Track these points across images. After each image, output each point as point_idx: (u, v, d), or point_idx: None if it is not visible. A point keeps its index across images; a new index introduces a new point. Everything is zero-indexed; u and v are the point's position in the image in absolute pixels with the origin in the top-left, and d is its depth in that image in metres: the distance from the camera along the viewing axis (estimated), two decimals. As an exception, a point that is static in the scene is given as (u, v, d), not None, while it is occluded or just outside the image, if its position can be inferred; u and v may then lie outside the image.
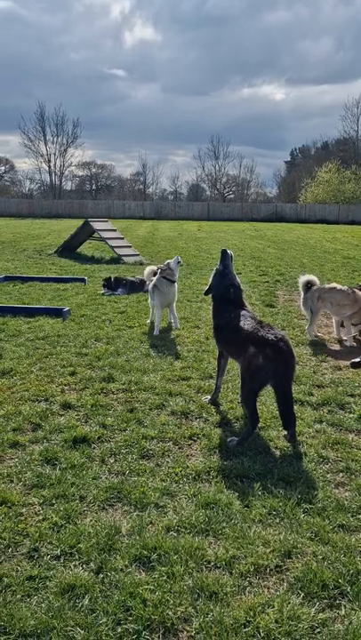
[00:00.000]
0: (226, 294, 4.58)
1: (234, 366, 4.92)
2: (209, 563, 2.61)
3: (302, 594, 2.41)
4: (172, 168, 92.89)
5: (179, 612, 2.29)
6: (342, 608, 2.34)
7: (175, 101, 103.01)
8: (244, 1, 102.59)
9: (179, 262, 7.34)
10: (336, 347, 6.57)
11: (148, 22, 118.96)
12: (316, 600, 2.37)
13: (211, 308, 4.77)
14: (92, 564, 2.58)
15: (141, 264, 13.26)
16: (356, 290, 6.77)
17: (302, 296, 6.84)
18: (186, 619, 2.27)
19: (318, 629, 2.22)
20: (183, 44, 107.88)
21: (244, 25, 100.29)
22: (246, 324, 4.19)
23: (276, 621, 2.23)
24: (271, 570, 2.57)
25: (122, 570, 2.54)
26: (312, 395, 4.87)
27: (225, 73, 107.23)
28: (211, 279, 4.81)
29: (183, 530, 2.85)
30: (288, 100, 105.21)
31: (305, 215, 41.20)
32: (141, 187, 73.05)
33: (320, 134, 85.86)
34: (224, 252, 4.75)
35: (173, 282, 6.97)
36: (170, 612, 2.28)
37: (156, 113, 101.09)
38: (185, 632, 2.22)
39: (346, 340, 6.67)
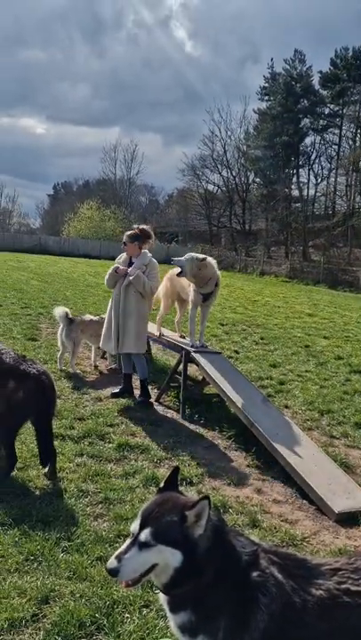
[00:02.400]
0: None
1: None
2: None
3: (60, 638, 2.34)
4: None
5: None
6: (99, 642, 2.35)
7: None
8: (0, 32, 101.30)
9: None
10: (97, 378, 6.76)
11: None
12: (73, 641, 2.34)
13: None
14: None
15: None
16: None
17: (65, 327, 6.85)
18: None
19: (75, 671, 2.18)
20: None
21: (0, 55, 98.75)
22: (6, 357, 4.01)
23: None
24: (27, 621, 2.44)
25: None
26: (73, 428, 4.88)
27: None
28: None
29: None
30: (49, 136, 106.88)
31: (68, 248, 41.79)
32: None
33: (82, 172, 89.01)
34: None
35: None
36: None
37: None
38: None
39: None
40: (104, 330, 6.06)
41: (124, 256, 6.04)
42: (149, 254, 5.97)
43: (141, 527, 1.71)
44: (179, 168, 53.17)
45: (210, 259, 5.96)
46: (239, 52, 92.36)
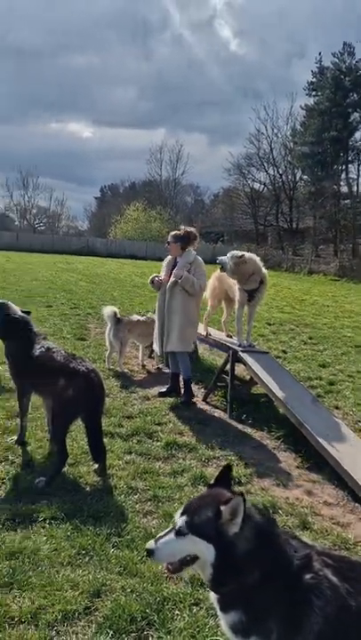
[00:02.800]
0: (19, 325, 4.38)
1: (41, 403, 4.74)
2: (13, 619, 2.43)
3: (111, 632, 2.38)
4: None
5: None
6: (150, 638, 2.37)
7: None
8: (52, 40, 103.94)
9: None
10: (144, 377, 6.83)
11: None
12: (124, 635, 2.37)
13: (5, 345, 4.50)
14: None
15: None
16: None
17: (113, 327, 6.97)
18: None
19: (127, 665, 2.21)
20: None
21: (51, 63, 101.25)
22: (58, 356, 4.11)
23: (85, 667, 2.16)
24: (80, 613, 2.49)
25: None
26: (122, 426, 4.95)
27: (33, 106, 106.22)
28: None
29: (-16, 588, 2.61)
30: (96, 140, 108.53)
31: (115, 250, 42.47)
32: None
33: (128, 174, 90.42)
34: None
35: None
36: None
37: None
38: None
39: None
40: (155, 330, 6.15)
41: (169, 257, 6.10)
42: (194, 252, 5.98)
43: (180, 516, 1.79)
44: (224, 167, 53.00)
45: (251, 254, 5.97)
46: (285, 49, 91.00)
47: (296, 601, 1.67)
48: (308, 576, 1.69)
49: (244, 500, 1.69)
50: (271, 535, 1.77)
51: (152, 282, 6.08)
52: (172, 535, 1.77)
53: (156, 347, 6.21)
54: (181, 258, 5.90)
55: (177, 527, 1.77)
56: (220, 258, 6.00)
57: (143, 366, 7.28)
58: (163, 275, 6.01)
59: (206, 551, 1.71)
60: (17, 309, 4.49)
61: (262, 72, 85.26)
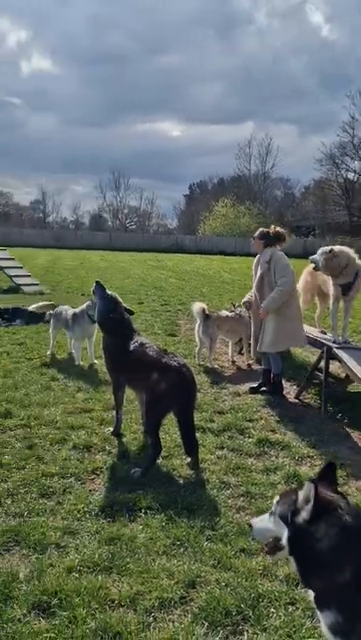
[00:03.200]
0: (122, 321, 4.56)
1: (136, 397, 4.90)
2: (113, 602, 2.54)
3: (206, 623, 2.41)
4: (74, 197, 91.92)
5: (81, 659, 2.19)
6: (245, 633, 2.37)
7: (74, 132, 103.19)
8: (140, 42, 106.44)
9: None
10: (234, 373, 6.81)
11: (46, 53, 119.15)
12: (220, 628, 2.39)
13: (104, 338, 4.71)
14: (-15, 617, 2.39)
15: (42, 294, 12.91)
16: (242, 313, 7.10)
17: (202, 323, 7.01)
18: (89, 664, 2.18)
19: (223, 658, 2.23)
20: (81, 78, 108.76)
21: (139, 65, 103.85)
22: (150, 351, 4.22)
23: (182, 655, 2.21)
24: (176, 602, 2.55)
25: (20, 620, 2.39)
26: (213, 421, 4.98)
27: (122, 108, 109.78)
28: (98, 308, 4.71)
29: (86, 569, 2.75)
30: (184, 137, 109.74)
31: (204, 247, 42.74)
32: (41, 215, 71.68)
33: (216, 170, 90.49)
34: (98, 283, 4.72)
35: (94, 322, 6.87)
36: (72, 660, 2.17)
37: (55, 142, 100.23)
38: None
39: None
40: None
41: (258, 256, 6.01)
42: (271, 250, 5.83)
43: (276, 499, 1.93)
44: (316, 158, 51.08)
45: (342, 247, 5.73)
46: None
47: None
48: None
49: (316, 487, 1.69)
50: None
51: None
52: (267, 515, 1.91)
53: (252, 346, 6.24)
54: (261, 256, 5.85)
55: (272, 509, 1.89)
56: (311, 257, 5.84)
57: (233, 362, 7.27)
58: (253, 274, 6.00)
59: (283, 534, 1.77)
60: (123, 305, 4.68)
61: (356, 57, 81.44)
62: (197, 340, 7.13)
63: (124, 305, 4.70)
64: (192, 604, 2.55)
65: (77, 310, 6.93)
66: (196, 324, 7.16)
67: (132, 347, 4.34)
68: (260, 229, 5.97)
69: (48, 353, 7.15)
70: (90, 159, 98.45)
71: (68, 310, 7.18)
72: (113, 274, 19.03)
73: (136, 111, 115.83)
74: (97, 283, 4.75)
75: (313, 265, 5.81)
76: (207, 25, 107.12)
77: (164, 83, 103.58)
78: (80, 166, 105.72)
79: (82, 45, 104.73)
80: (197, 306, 7.16)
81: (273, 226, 6.11)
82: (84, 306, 6.88)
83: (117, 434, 4.55)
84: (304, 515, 1.71)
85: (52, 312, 7.40)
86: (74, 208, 77.14)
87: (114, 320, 4.52)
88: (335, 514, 1.70)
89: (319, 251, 5.70)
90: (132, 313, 4.73)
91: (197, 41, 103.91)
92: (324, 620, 1.74)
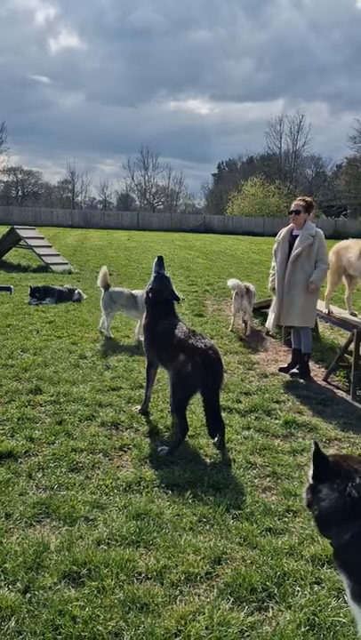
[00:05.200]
0: (165, 302, 4.59)
1: (164, 375, 4.94)
2: (140, 574, 2.60)
3: (232, 599, 2.45)
4: (101, 177, 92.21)
5: (110, 627, 2.26)
6: (270, 610, 2.40)
7: (102, 111, 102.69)
8: (168, 17, 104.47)
9: None
10: (262, 355, 6.78)
11: (74, 31, 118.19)
12: (245, 604, 2.43)
13: (145, 315, 4.76)
14: (18, 584, 2.48)
15: (70, 273, 13.03)
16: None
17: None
18: (117, 633, 2.24)
19: (247, 633, 2.26)
20: (109, 55, 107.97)
21: (168, 40, 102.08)
22: (179, 332, 4.24)
23: (207, 628, 2.25)
24: (202, 577, 2.59)
25: (50, 588, 2.47)
26: (240, 402, 4.99)
27: (151, 86, 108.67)
28: (150, 284, 4.73)
29: (114, 542, 2.82)
30: (213, 115, 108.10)
31: (232, 227, 42.31)
32: (70, 195, 71.86)
33: (246, 149, 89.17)
34: (160, 258, 4.80)
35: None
36: (100, 628, 2.24)
37: (83, 121, 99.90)
38: (116, 647, 2.19)
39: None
40: (272, 303, 6.05)
41: (283, 231, 5.91)
42: (313, 224, 5.76)
43: None
44: (349, 135, 49.72)
45: None
46: None
47: None
48: None
49: (316, 445, 1.83)
50: None
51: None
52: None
53: (269, 321, 6.08)
54: (303, 230, 5.70)
55: None
56: None
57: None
58: (278, 252, 5.86)
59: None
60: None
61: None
62: (238, 312, 7.78)
63: (174, 289, 4.73)
64: (218, 579, 2.59)
65: (138, 293, 6.95)
66: (237, 298, 7.63)
67: (164, 327, 4.37)
68: (300, 201, 5.80)
69: (105, 333, 7.17)
70: (118, 138, 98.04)
71: (124, 292, 7.31)
72: (140, 253, 19.06)
73: (165, 88, 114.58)
74: (159, 257, 4.83)
75: (340, 245, 5.77)
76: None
77: (192, 59, 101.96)
78: (108, 145, 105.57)
79: (109, 21, 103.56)
80: (236, 281, 7.78)
81: (300, 197, 6.01)
82: (144, 290, 6.88)
83: (145, 412, 4.61)
84: (310, 472, 1.86)
85: (104, 291, 7.32)
86: (102, 188, 77.29)
87: (161, 299, 4.58)
88: (342, 481, 1.76)
89: None
90: (178, 299, 4.77)
91: (227, 16, 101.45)
92: (345, 586, 1.80)
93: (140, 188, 69.63)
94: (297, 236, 5.72)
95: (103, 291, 7.32)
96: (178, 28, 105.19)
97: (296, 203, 5.85)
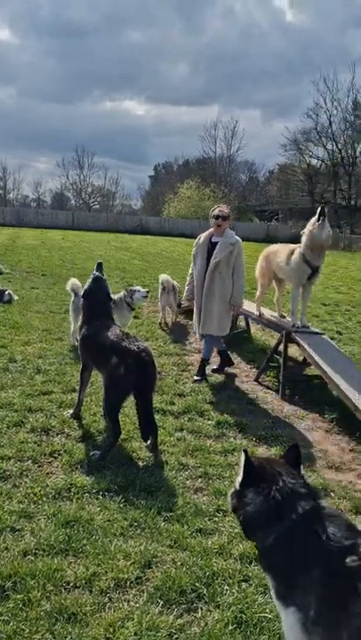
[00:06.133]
0: (101, 304, 4.53)
1: (98, 378, 4.87)
2: (68, 583, 2.54)
3: (161, 602, 2.45)
4: (35, 174, 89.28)
5: (35, 641, 2.19)
6: (199, 611, 2.42)
7: (35, 107, 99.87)
8: (103, 16, 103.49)
9: (145, 297, 6.76)
10: (196, 356, 6.85)
11: (4, 24, 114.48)
12: (174, 606, 2.43)
13: (80, 317, 4.67)
14: None
15: (0, 273, 12.58)
16: None
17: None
18: (43, 646, 2.18)
19: (176, 635, 2.27)
20: (42, 51, 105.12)
21: (103, 39, 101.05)
22: (111, 334, 4.19)
23: (136, 634, 2.24)
24: (132, 582, 2.57)
25: (-28, 604, 2.36)
26: (174, 404, 5.01)
27: (86, 84, 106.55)
28: (87, 285, 4.66)
29: (41, 552, 2.74)
30: (149, 117, 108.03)
31: (168, 228, 42.46)
32: (1, 192, 69.43)
33: (182, 152, 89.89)
34: (100, 265, 4.83)
35: (132, 309, 6.88)
36: (25, 642, 2.17)
37: (15, 117, 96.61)
38: (42, 660, 2.12)
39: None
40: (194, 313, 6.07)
41: (202, 237, 5.91)
42: (232, 232, 5.80)
43: None
44: (280, 143, 51.48)
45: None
46: (342, 16, 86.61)
47: (335, 583, 1.63)
48: (350, 559, 1.65)
49: (245, 452, 1.89)
50: (295, 505, 1.77)
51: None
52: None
53: (195, 328, 6.12)
54: (223, 238, 5.69)
55: None
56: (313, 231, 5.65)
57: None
58: (197, 258, 5.87)
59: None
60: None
61: (320, 42, 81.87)
62: (164, 308, 8.20)
63: (110, 293, 4.70)
64: (148, 583, 2.58)
65: (115, 297, 6.61)
66: (164, 294, 7.97)
67: (97, 329, 4.31)
68: (224, 211, 5.77)
69: (71, 341, 6.76)
70: (52, 136, 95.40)
71: None
72: (75, 254, 18.71)
73: (100, 88, 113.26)
74: (99, 264, 4.84)
75: (270, 250, 5.92)
76: (171, 2, 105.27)
77: (127, 59, 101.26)
78: (41, 143, 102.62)
79: (41, 15, 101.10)
80: (167, 276, 8.13)
81: (216, 206, 6.07)
82: (121, 294, 6.63)
83: (77, 416, 4.52)
84: (238, 478, 1.91)
85: (74, 296, 6.85)
86: (35, 186, 75.17)
87: (97, 302, 4.52)
88: (267, 485, 1.82)
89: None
90: (114, 302, 4.75)
91: (161, 18, 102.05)
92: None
93: (76, 187, 68.42)
94: (216, 243, 5.71)
95: (73, 295, 6.79)
96: (111, 26, 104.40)
97: (221, 209, 5.81)
